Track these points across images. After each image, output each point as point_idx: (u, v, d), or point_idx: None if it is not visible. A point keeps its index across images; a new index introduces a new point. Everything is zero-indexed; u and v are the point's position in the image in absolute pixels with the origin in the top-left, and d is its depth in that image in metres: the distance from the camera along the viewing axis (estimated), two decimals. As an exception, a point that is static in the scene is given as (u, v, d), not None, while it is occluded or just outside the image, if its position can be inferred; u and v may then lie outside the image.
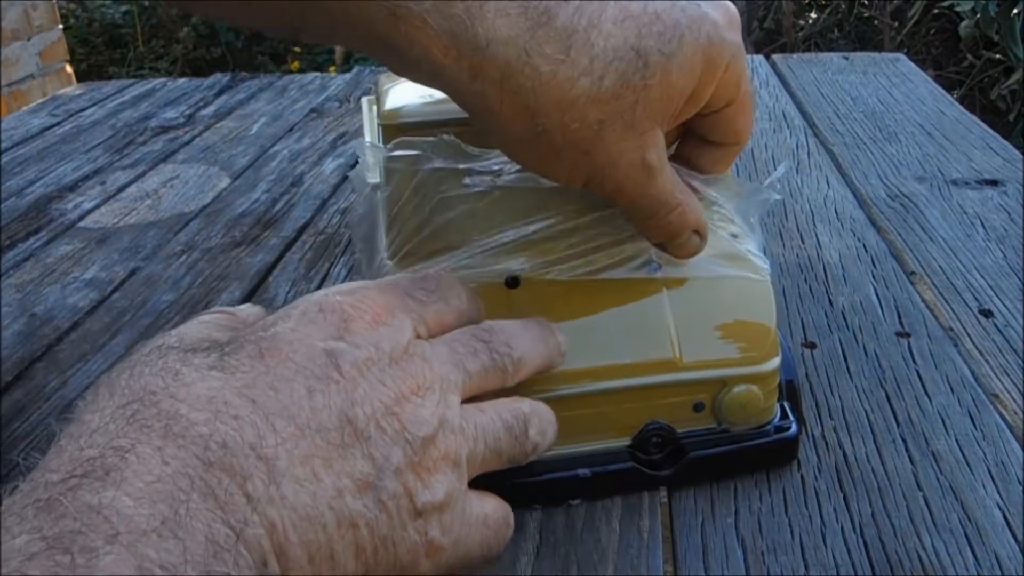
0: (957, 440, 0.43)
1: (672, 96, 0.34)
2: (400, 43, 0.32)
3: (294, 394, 0.28)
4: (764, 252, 0.42)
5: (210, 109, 1.04)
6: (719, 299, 0.40)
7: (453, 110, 0.41)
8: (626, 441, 0.40)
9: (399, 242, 0.40)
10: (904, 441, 0.43)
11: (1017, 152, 0.79)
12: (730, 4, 0.37)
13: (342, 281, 0.61)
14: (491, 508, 0.34)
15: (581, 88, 0.33)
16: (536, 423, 0.34)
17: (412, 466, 0.29)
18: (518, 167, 0.39)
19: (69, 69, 2.36)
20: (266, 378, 0.28)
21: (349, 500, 0.28)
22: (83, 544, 0.22)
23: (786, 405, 0.42)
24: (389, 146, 0.41)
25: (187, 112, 1.04)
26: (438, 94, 0.42)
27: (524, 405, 0.35)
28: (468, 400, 0.34)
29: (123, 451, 0.25)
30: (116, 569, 0.22)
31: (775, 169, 0.78)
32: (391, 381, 0.30)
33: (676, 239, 0.38)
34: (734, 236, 0.41)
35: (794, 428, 0.41)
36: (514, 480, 0.38)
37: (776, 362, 0.40)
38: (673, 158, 0.39)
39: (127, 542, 0.23)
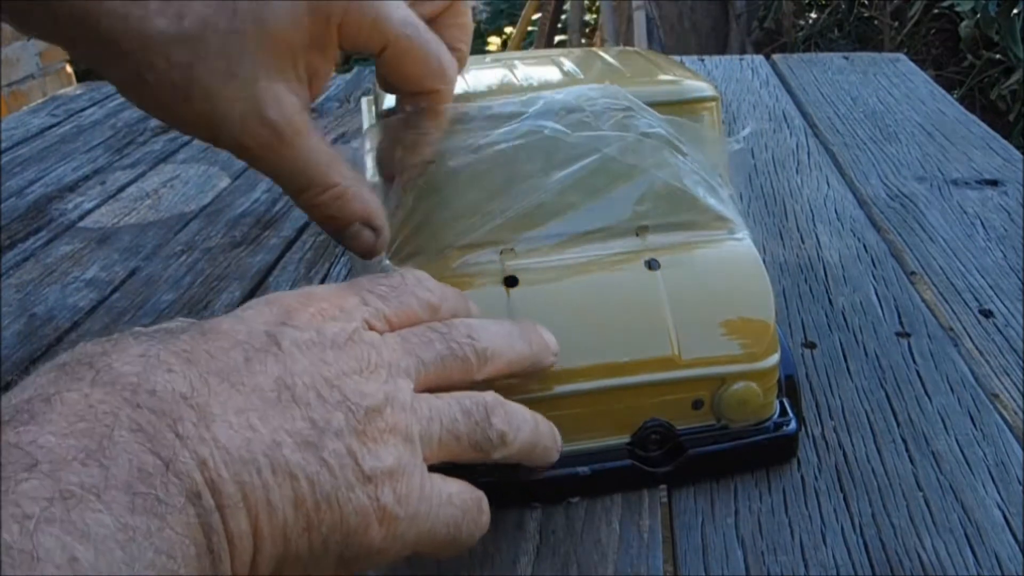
0: (957, 440, 0.43)
1: (278, 46, 0.35)
2: None
3: (230, 359, 0.28)
4: (746, 224, 0.43)
5: (210, 109, 1.04)
6: (718, 296, 0.40)
7: (453, 108, 0.41)
8: (625, 438, 0.40)
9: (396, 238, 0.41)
10: (904, 441, 0.43)
11: (1017, 152, 0.79)
12: None
13: (342, 281, 0.61)
14: (456, 489, 0.33)
15: (158, 26, 0.33)
16: (501, 413, 0.34)
17: (356, 432, 0.29)
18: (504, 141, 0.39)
19: (69, 69, 2.36)
20: (203, 347, 0.28)
21: (287, 452, 0.27)
22: (2, 476, 0.22)
23: (785, 402, 0.42)
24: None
25: (187, 112, 1.04)
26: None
27: (487, 396, 0.34)
28: (428, 391, 0.33)
29: (48, 398, 0.25)
30: (35, 492, 0.22)
31: (775, 170, 0.78)
32: (333, 360, 0.30)
33: (341, 228, 0.38)
34: (711, 188, 0.41)
35: (793, 424, 0.41)
36: (512, 479, 0.38)
37: (775, 359, 0.40)
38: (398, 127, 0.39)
39: (47, 470, 0.23)
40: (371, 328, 0.33)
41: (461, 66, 0.41)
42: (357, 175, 0.38)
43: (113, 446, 0.24)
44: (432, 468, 0.33)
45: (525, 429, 0.35)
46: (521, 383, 0.37)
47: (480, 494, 0.34)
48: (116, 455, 0.24)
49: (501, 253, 0.40)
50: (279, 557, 0.27)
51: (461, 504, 0.33)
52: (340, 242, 0.39)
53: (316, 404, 0.29)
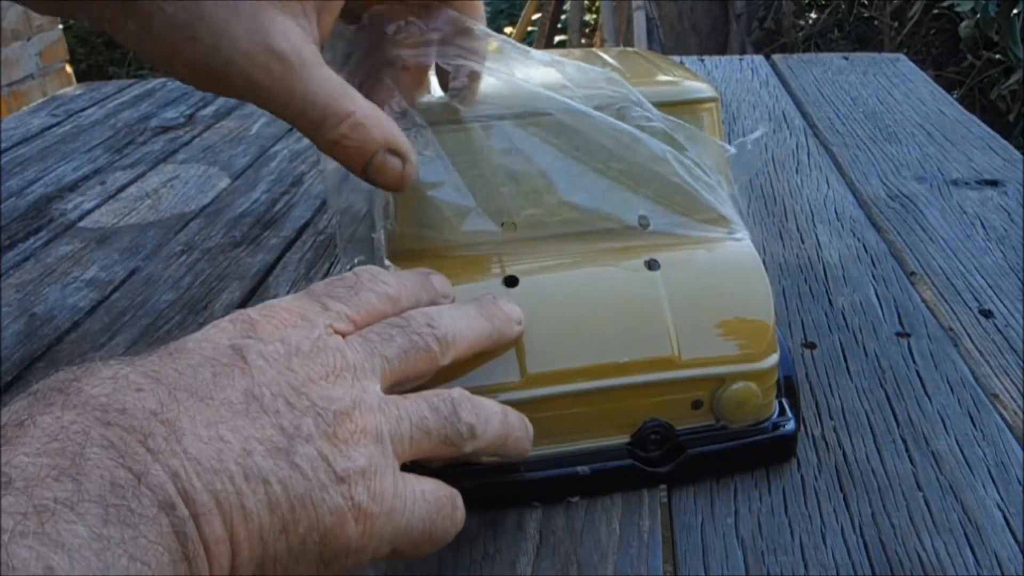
0: (957, 440, 0.43)
1: None
2: None
3: (198, 376, 0.29)
4: (744, 218, 0.43)
5: (210, 109, 1.04)
6: (717, 296, 0.40)
7: (451, 108, 0.41)
8: (625, 438, 0.40)
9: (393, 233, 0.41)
10: (904, 441, 0.43)
11: (1017, 152, 0.79)
12: None
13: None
14: (430, 487, 0.33)
15: None
16: (468, 407, 0.34)
17: (326, 436, 0.29)
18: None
19: (69, 69, 2.36)
20: (171, 366, 0.29)
21: (258, 459, 0.28)
22: None
23: (784, 402, 0.42)
24: None
25: (187, 112, 1.04)
26: (436, 92, 0.43)
27: (453, 391, 0.34)
28: (395, 387, 0.34)
29: (22, 423, 0.25)
30: (9, 508, 0.23)
31: (775, 170, 0.78)
32: (299, 367, 0.30)
33: (364, 159, 0.37)
34: (710, 186, 0.41)
35: (792, 424, 0.41)
36: (514, 478, 0.38)
37: (774, 359, 0.40)
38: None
39: (21, 487, 0.23)
40: (336, 331, 0.33)
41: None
42: (371, 104, 0.37)
43: (85, 462, 0.24)
44: (429, 474, 0.33)
45: (494, 421, 0.35)
46: (521, 382, 0.38)
47: (453, 491, 0.34)
48: (88, 471, 0.24)
49: (503, 225, 0.41)
50: (258, 559, 0.28)
51: (435, 500, 0.33)
52: (366, 178, 0.38)
53: (285, 411, 0.29)
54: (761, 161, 0.80)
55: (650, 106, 0.41)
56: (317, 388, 0.30)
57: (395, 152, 0.37)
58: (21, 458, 0.24)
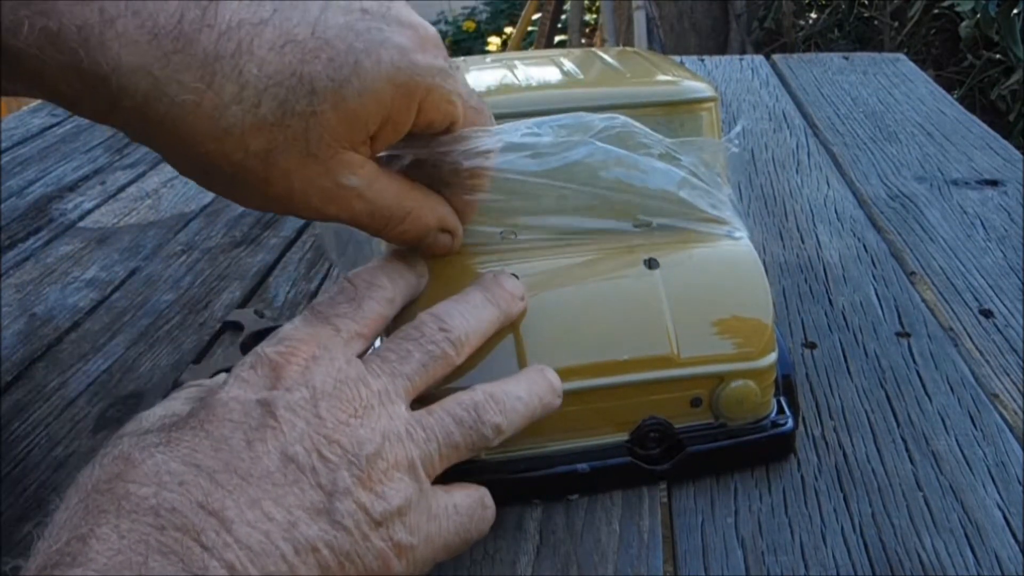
0: (957, 440, 0.43)
1: (355, 122, 0.33)
2: (32, 80, 0.31)
3: (233, 449, 0.30)
4: (742, 216, 0.43)
5: (210, 109, 1.04)
6: (716, 295, 0.40)
7: None
8: (624, 436, 0.40)
9: None
10: (904, 441, 0.43)
11: (1017, 152, 0.79)
12: (424, 24, 0.35)
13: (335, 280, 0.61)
14: (460, 497, 0.35)
15: (233, 117, 0.31)
16: (491, 408, 0.35)
17: (361, 483, 0.31)
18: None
19: (69, 69, 2.36)
20: (206, 442, 0.30)
21: (304, 528, 0.29)
22: None
23: (783, 400, 0.42)
24: None
25: (187, 112, 1.04)
26: None
27: (476, 394, 0.35)
28: (420, 399, 0.35)
29: (84, 537, 0.27)
30: None
31: (775, 170, 0.78)
32: (327, 413, 0.31)
33: (421, 242, 0.39)
34: (707, 189, 0.41)
35: (790, 423, 0.42)
36: (513, 476, 0.38)
37: (773, 357, 0.40)
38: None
39: None
40: (349, 348, 0.34)
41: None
42: (423, 188, 0.38)
43: (150, 572, 0.26)
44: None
45: (518, 409, 0.36)
46: None
47: (481, 491, 0.36)
48: None
49: (501, 235, 0.41)
50: None
51: (467, 510, 0.35)
52: (420, 251, 0.39)
53: (320, 467, 0.30)
54: (752, 158, 0.80)
55: (646, 129, 0.41)
56: (347, 432, 0.31)
57: (447, 230, 0.39)
58: None
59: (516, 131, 0.39)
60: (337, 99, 0.32)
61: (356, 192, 0.35)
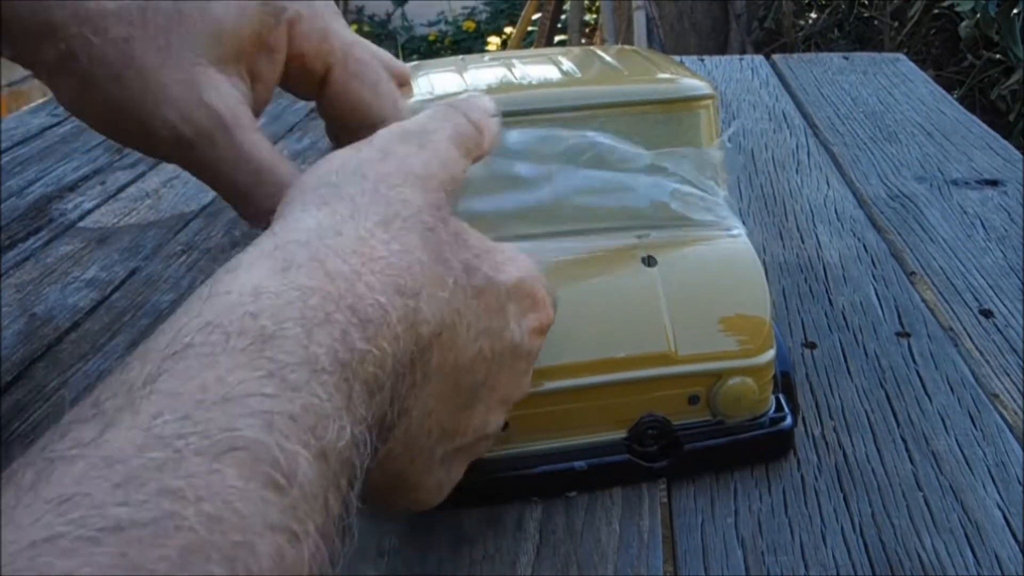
0: (957, 440, 0.43)
1: (221, 33, 0.33)
2: None
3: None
4: (739, 215, 0.43)
5: (210, 109, 1.04)
6: (714, 292, 0.40)
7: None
8: (622, 434, 0.40)
9: None
10: (904, 441, 0.43)
11: (1017, 152, 0.79)
12: None
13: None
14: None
15: (101, 3, 0.31)
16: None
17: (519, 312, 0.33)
18: None
19: (69, 69, 2.36)
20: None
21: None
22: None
23: (781, 397, 0.42)
24: None
25: (187, 112, 1.03)
26: (436, 91, 0.42)
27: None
28: None
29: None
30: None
31: (775, 170, 0.78)
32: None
33: None
34: (701, 195, 0.41)
35: (789, 420, 0.42)
36: (511, 473, 0.38)
37: (771, 354, 0.40)
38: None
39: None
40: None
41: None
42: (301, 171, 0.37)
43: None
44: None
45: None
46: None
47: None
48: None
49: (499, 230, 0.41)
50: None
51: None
52: None
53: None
54: (752, 158, 0.80)
55: (623, 145, 0.41)
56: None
57: None
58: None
59: (489, 163, 0.39)
60: (203, 3, 0.32)
61: (220, 122, 0.33)
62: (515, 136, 0.39)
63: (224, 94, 0.33)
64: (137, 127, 0.33)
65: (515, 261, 0.33)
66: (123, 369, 0.22)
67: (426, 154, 0.30)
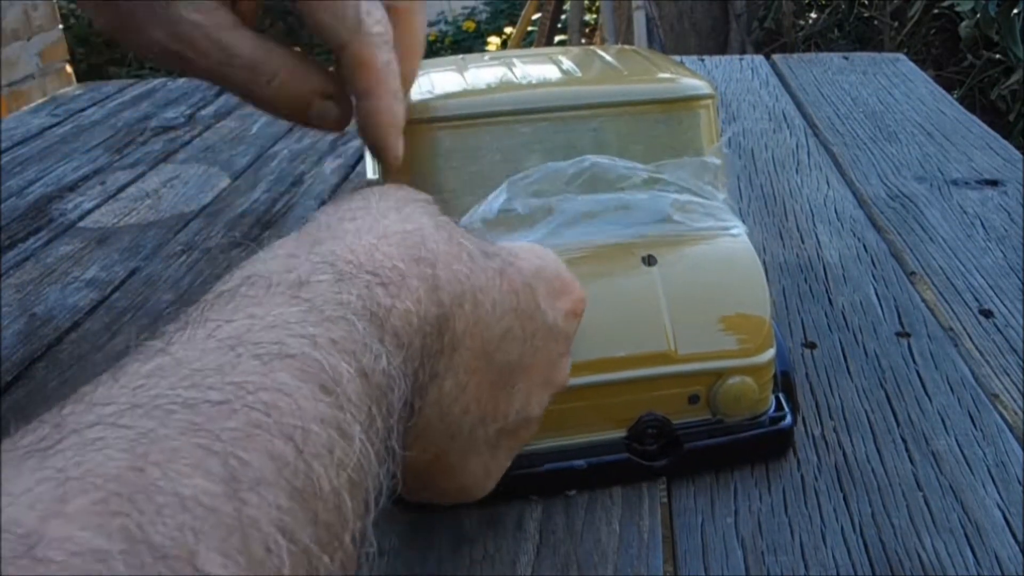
0: (957, 440, 0.43)
1: None
2: None
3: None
4: (739, 216, 0.43)
5: (210, 109, 1.04)
6: (714, 291, 0.41)
7: (452, 106, 0.41)
8: (622, 433, 0.40)
9: None
10: (904, 441, 0.43)
11: (1017, 152, 0.79)
12: None
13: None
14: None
15: None
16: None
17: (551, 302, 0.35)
18: None
19: (69, 69, 2.36)
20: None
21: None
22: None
23: (781, 396, 0.42)
24: None
25: (187, 112, 1.04)
26: (437, 90, 0.43)
27: None
28: None
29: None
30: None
31: (775, 170, 0.78)
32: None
33: (306, 115, 0.37)
34: (701, 202, 0.41)
35: (789, 419, 0.42)
36: (511, 472, 0.38)
37: (771, 354, 0.40)
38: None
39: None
40: None
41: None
42: (298, 53, 0.37)
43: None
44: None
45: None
46: None
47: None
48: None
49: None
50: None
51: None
52: (311, 127, 0.38)
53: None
54: (752, 158, 0.80)
55: (620, 161, 0.40)
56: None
57: (328, 97, 0.37)
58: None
59: (490, 206, 0.39)
60: None
61: (203, 31, 0.34)
62: (518, 178, 0.40)
63: (201, 5, 0.34)
64: (146, 48, 0.35)
65: (532, 251, 0.36)
66: (176, 313, 0.26)
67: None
